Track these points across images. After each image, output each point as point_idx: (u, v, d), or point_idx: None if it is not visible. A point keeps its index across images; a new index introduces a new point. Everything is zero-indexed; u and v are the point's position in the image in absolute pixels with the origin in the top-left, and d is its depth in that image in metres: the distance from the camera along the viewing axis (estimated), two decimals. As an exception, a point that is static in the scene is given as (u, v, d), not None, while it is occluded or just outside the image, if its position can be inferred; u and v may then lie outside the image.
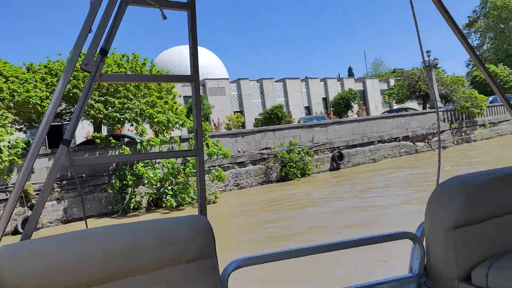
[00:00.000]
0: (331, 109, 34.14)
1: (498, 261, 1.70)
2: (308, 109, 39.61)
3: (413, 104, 36.44)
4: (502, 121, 29.96)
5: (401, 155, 23.58)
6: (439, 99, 29.33)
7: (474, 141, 27.22)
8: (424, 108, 31.36)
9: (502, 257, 1.74)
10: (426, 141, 25.36)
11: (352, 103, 32.69)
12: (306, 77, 40.69)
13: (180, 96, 21.70)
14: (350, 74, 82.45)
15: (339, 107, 32.59)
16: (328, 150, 21.11)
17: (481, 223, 1.79)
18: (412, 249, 1.82)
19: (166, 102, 17.26)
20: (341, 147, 21.53)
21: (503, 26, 50.49)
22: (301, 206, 12.97)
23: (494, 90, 2.35)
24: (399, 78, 34.83)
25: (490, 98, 30.88)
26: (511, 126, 29.89)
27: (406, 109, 31.54)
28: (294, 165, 18.83)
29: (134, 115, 15.97)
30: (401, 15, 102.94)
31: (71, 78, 12.32)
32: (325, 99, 41.14)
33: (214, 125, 28.14)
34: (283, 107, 30.91)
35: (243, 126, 31.06)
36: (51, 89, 15.43)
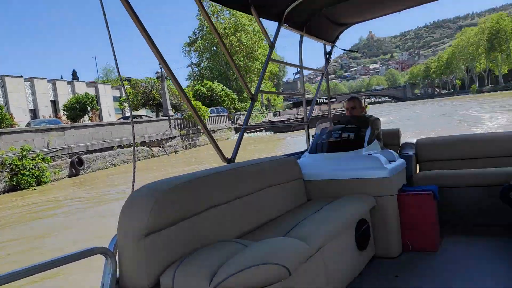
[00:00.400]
0: (65, 113, 31.97)
1: (184, 262, 1.75)
2: (34, 112, 35.57)
3: (147, 112, 38.75)
4: (219, 129, 36.23)
5: (139, 160, 24.88)
6: (171, 108, 32.56)
7: (199, 146, 31.77)
8: (158, 116, 33.99)
9: (189, 256, 1.81)
10: (161, 146, 27.78)
11: (89, 107, 31.73)
12: (32, 77, 36.37)
13: None
14: (75, 77, 78.39)
15: (75, 111, 30.98)
16: (66, 156, 20.02)
17: (170, 227, 1.83)
18: (105, 264, 1.73)
19: None
20: (80, 153, 20.84)
21: (215, 48, 59.81)
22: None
23: (185, 103, 2.70)
24: (133, 86, 36.26)
25: (210, 110, 36.76)
26: (225, 133, 36.63)
27: (141, 116, 33.32)
28: (28, 173, 16.97)
29: None
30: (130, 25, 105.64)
31: None
32: (54, 102, 37.98)
33: None
34: (3, 109, 26.72)
35: None
36: None
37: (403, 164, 3.41)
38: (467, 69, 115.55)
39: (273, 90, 56.32)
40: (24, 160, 17.02)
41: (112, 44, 2.16)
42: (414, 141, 4.68)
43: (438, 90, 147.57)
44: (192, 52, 61.41)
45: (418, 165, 4.46)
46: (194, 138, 31.62)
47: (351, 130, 3.47)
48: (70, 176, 19.76)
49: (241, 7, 3.24)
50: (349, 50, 8.16)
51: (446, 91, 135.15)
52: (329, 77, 5.14)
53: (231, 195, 2.34)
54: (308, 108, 4.57)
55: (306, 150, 3.79)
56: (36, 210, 12.76)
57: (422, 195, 3.09)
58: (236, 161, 2.88)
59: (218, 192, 2.25)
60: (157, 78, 32.66)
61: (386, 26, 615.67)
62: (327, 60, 4.82)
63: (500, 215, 3.46)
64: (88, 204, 13.06)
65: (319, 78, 4.99)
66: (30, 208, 13.05)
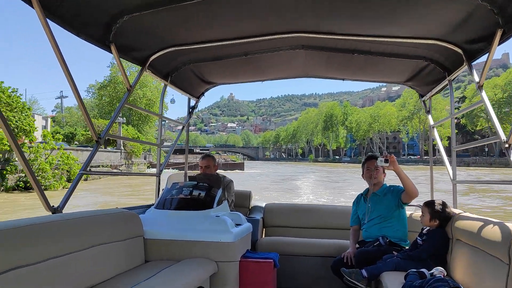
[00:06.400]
0: None
1: None
2: None
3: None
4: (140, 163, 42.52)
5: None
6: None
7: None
8: (105, 148, 38.28)
9: None
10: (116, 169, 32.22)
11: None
12: None
13: None
14: None
15: None
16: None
17: None
18: None
19: None
20: None
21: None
22: None
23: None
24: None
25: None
26: (143, 166, 41.97)
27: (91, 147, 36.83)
28: None
29: None
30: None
31: None
32: None
33: None
34: None
35: None
36: None
37: (249, 228, 3.38)
38: (307, 141, 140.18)
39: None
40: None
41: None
42: (263, 205, 4.75)
43: (284, 155, 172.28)
44: (96, 94, 60.50)
45: (264, 229, 4.57)
46: (130, 165, 42.17)
47: (203, 189, 3.31)
48: None
49: (101, 44, 2.90)
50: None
51: (290, 157, 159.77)
52: (189, 128, 5.02)
53: (46, 252, 1.95)
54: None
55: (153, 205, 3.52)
56: None
57: (263, 263, 3.11)
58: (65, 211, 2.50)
59: (31, 248, 1.88)
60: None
61: (246, 90, 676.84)
62: (190, 113, 4.75)
63: (331, 284, 3.68)
64: None
65: (179, 127, 4.89)
66: None
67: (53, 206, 2.43)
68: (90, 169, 3.02)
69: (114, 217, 2.74)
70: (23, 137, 21.15)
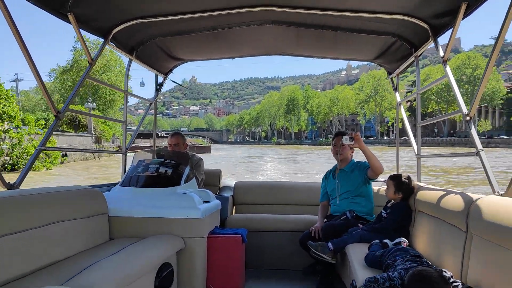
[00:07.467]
0: None
1: None
2: None
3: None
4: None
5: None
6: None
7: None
8: (76, 132, 38.75)
9: None
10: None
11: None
12: None
13: None
14: None
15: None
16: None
17: None
18: None
19: None
20: None
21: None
22: None
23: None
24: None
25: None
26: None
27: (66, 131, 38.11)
28: None
29: None
30: None
31: None
32: None
33: None
34: None
35: None
36: None
37: (217, 205, 3.35)
38: (270, 124, 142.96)
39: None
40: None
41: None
42: (233, 183, 4.74)
43: (248, 138, 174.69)
44: (58, 79, 58.53)
45: (234, 207, 4.59)
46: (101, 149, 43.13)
47: (170, 166, 3.26)
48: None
49: (57, 13, 2.73)
50: (180, 84, 5.71)
51: (254, 140, 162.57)
52: (157, 106, 4.79)
53: (2, 228, 1.93)
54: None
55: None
56: None
57: (231, 239, 3.11)
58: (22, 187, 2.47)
59: None
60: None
61: (208, 73, 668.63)
62: (158, 90, 4.62)
63: (298, 259, 3.76)
64: None
65: (140, 111, 6.82)
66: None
67: (9, 182, 2.38)
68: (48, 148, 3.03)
69: (76, 194, 2.66)
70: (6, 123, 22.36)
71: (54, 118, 2.84)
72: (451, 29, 2.78)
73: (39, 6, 2.57)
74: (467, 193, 2.23)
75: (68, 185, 2.80)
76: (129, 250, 2.44)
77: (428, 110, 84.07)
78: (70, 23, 2.83)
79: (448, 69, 2.86)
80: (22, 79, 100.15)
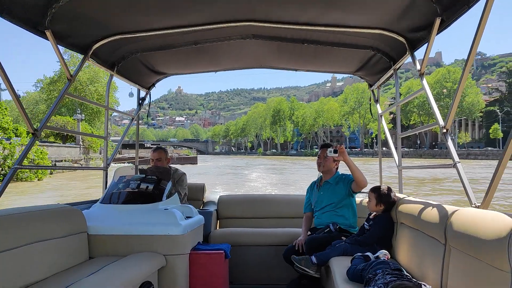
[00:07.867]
0: None
1: None
2: None
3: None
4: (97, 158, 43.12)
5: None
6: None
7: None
8: (64, 143, 38.51)
9: None
10: (77, 162, 33.12)
11: None
12: None
13: None
14: None
15: None
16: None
17: None
18: None
19: None
20: None
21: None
22: None
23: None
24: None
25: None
26: (100, 161, 42.47)
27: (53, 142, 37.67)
28: None
29: None
30: None
31: None
32: None
33: None
34: None
35: None
36: None
37: (200, 221, 3.31)
38: (256, 135, 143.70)
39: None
40: None
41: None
42: (217, 197, 4.70)
43: (234, 149, 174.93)
44: (44, 89, 57.53)
45: (219, 221, 4.55)
46: (89, 160, 42.75)
47: (151, 182, 3.24)
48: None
49: (34, 30, 2.68)
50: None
51: (240, 150, 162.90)
52: (139, 121, 4.80)
53: None
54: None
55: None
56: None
57: (213, 255, 3.06)
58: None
59: None
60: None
61: (194, 84, 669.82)
62: (140, 105, 4.57)
63: (283, 274, 3.74)
64: None
65: (125, 121, 5.98)
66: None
67: None
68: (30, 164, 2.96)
69: (52, 213, 2.61)
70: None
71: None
72: (427, 43, 2.84)
73: (15, 23, 2.53)
74: (445, 205, 2.24)
75: (45, 204, 2.78)
76: (108, 269, 2.40)
77: (411, 123, 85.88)
78: (48, 40, 2.80)
79: (425, 82, 2.91)
80: (5, 89, 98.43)
